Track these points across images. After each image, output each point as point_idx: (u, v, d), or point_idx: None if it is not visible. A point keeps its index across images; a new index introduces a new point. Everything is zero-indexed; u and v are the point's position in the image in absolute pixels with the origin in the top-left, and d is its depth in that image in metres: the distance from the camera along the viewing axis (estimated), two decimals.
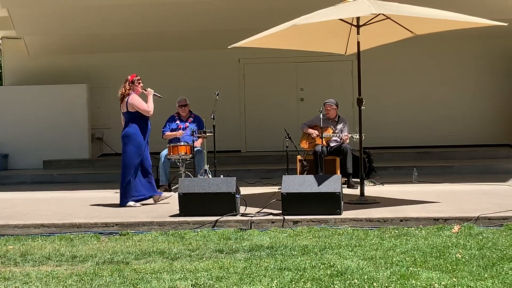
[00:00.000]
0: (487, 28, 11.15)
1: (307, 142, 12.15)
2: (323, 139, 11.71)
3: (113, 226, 8.62)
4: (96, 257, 7.03)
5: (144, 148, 10.33)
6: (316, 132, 12.00)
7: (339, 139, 11.94)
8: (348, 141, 11.89)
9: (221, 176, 10.20)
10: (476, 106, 16.70)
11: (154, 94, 10.50)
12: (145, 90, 10.52)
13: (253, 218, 8.58)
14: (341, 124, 12.10)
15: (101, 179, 14.46)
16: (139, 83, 10.51)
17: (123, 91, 10.44)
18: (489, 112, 16.61)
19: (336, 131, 11.97)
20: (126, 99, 10.35)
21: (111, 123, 17.42)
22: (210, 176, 11.38)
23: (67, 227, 8.64)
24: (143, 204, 10.22)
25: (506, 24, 9.58)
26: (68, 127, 16.57)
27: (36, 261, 6.95)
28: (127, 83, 10.45)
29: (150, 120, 10.52)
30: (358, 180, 10.16)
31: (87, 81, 17.05)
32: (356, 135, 11.38)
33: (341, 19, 9.99)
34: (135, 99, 10.32)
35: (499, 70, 16.44)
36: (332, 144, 12.00)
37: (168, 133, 12.53)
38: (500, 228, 7.91)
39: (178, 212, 9.01)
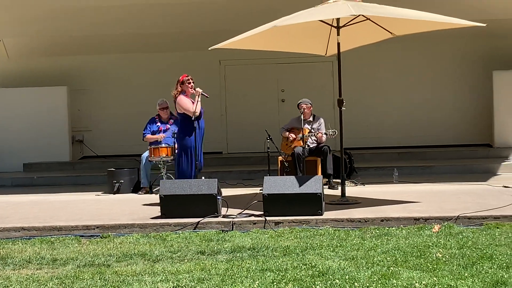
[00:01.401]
0: (466, 29, 11.21)
1: (287, 146, 12.18)
2: (302, 140, 11.72)
3: (94, 229, 8.59)
4: (77, 260, 7.01)
5: (194, 149, 10.20)
6: (293, 135, 12.03)
7: (316, 138, 11.95)
8: (324, 138, 11.88)
9: (203, 177, 10.18)
10: (455, 107, 16.78)
11: (201, 94, 10.34)
12: (195, 90, 10.40)
13: (235, 219, 8.58)
14: (317, 123, 12.12)
15: (82, 181, 14.41)
16: (189, 83, 10.45)
17: (175, 92, 10.40)
18: (468, 113, 16.70)
19: (312, 130, 11.99)
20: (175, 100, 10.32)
21: (92, 126, 17.40)
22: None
23: (47, 230, 8.59)
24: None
25: (485, 25, 9.64)
26: (48, 129, 16.47)
27: (16, 265, 6.91)
28: (178, 84, 10.42)
29: (201, 120, 10.43)
30: (339, 180, 10.19)
31: (68, 83, 16.97)
32: (330, 131, 11.44)
33: (321, 20, 10.01)
34: (180, 100, 10.29)
35: (478, 71, 16.54)
36: (311, 145, 12.01)
37: (148, 135, 12.50)
38: (480, 227, 7.96)
39: (159, 214, 8.99)
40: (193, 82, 10.55)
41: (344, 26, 9.97)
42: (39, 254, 7.32)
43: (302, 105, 12.05)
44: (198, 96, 10.31)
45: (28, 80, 17.05)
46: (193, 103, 10.37)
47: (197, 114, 10.25)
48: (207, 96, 10.42)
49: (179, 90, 10.45)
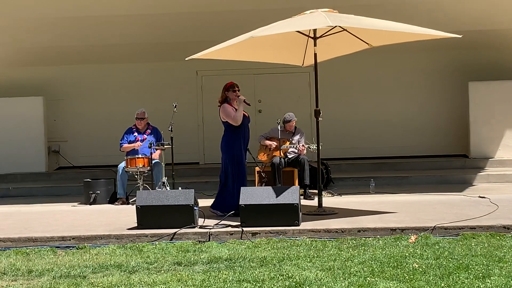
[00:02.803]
0: (442, 41, 11.32)
1: (265, 154, 12.17)
2: (281, 150, 11.74)
3: (70, 240, 8.54)
4: (52, 271, 6.95)
5: (241, 158, 10.05)
6: (274, 143, 12.03)
7: (296, 150, 11.97)
8: (305, 151, 11.93)
9: (179, 188, 10.16)
10: (431, 117, 16.86)
11: (244, 102, 10.12)
12: (238, 97, 10.15)
13: (212, 230, 8.57)
14: (298, 135, 12.14)
15: (58, 192, 14.30)
16: (235, 90, 10.18)
17: (219, 99, 10.22)
18: (444, 123, 16.79)
19: (293, 142, 12.01)
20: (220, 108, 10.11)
21: (68, 136, 17.28)
22: (168, 188, 11.33)
23: (23, 241, 8.53)
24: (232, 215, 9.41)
25: (460, 36, 9.73)
26: (23, 140, 16.33)
27: None
28: (223, 91, 10.21)
29: (246, 127, 10.23)
30: (316, 191, 10.20)
31: (43, 93, 16.85)
32: (313, 146, 11.46)
33: (298, 31, 10.04)
34: (223, 109, 10.10)
35: (454, 82, 16.62)
36: (289, 156, 12.03)
37: (125, 145, 12.46)
38: (456, 238, 8.00)
39: (136, 225, 8.95)
40: (238, 90, 10.26)
41: (321, 36, 10.01)
42: (14, 266, 7.26)
43: (292, 122, 12.04)
44: (241, 104, 10.08)
45: (3, 91, 16.92)
46: (236, 111, 10.11)
47: (239, 122, 10.03)
48: (248, 104, 10.23)
49: (224, 97, 10.21)
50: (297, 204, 8.64)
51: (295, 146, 11.95)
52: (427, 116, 16.87)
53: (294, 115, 12.22)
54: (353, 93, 16.98)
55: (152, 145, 11.87)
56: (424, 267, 6.49)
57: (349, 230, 8.40)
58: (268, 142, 12.15)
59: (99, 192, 12.14)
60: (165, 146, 11.85)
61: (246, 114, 10.25)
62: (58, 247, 8.35)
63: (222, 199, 10.10)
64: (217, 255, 7.41)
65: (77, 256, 7.74)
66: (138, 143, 12.31)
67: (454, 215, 9.04)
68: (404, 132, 16.85)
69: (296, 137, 12.10)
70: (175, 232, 8.50)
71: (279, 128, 11.54)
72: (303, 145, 11.92)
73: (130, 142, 12.45)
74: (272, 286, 5.97)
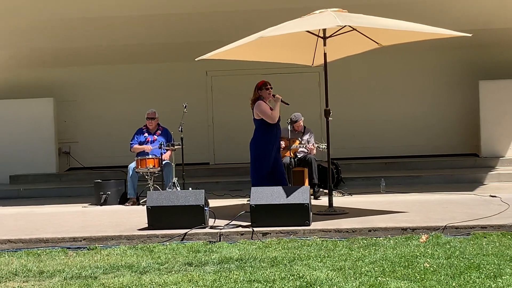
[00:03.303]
0: (452, 39, 11.29)
1: None
2: (291, 150, 11.74)
3: (81, 241, 8.55)
4: (63, 272, 6.97)
5: (273, 156, 9.98)
6: (283, 144, 12.03)
7: (306, 150, 11.97)
8: (315, 151, 11.93)
9: (190, 188, 10.16)
10: (441, 116, 16.83)
11: (281, 101, 10.10)
12: (273, 96, 10.13)
13: (222, 230, 8.56)
14: (307, 134, 12.14)
15: (69, 193, 14.34)
16: (268, 88, 10.14)
17: (252, 98, 10.17)
18: (455, 122, 16.75)
19: (302, 142, 12.00)
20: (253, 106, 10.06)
21: (78, 137, 17.34)
22: (178, 188, 11.34)
23: (34, 242, 8.55)
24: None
25: (470, 35, 9.70)
26: (34, 141, 16.40)
27: (3, 277, 6.87)
28: (256, 89, 10.16)
29: (279, 127, 10.18)
30: (326, 191, 10.19)
31: (54, 94, 16.91)
32: (322, 145, 11.45)
33: (307, 31, 10.03)
34: (259, 106, 10.03)
35: (464, 81, 16.59)
36: (299, 155, 12.03)
37: (136, 146, 12.47)
38: (467, 237, 7.97)
39: (146, 225, 8.96)
40: (271, 88, 10.22)
41: (330, 36, 10.00)
42: (26, 267, 7.28)
43: (299, 122, 12.03)
44: (278, 103, 10.03)
45: (14, 92, 16.99)
46: (271, 109, 10.08)
47: (276, 120, 9.98)
48: (287, 104, 10.21)
49: (257, 95, 10.16)
50: (308, 204, 8.62)
51: (304, 146, 11.94)
52: (437, 115, 16.84)
53: (301, 115, 12.20)
54: (363, 93, 16.97)
55: (163, 145, 11.87)
56: (435, 266, 6.48)
57: (360, 230, 8.38)
58: None
59: (109, 193, 12.15)
60: (175, 147, 11.86)
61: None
62: (69, 248, 8.36)
63: None
64: (227, 255, 7.41)
65: (88, 257, 7.75)
66: (149, 146, 12.29)
67: (465, 214, 9.01)
68: (414, 131, 16.83)
69: (306, 137, 12.10)
70: (186, 233, 8.50)
71: (288, 128, 11.53)
72: (312, 144, 11.92)
73: (140, 143, 12.46)
74: (283, 286, 5.96)
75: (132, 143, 12.54)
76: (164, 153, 12.04)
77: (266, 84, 10.18)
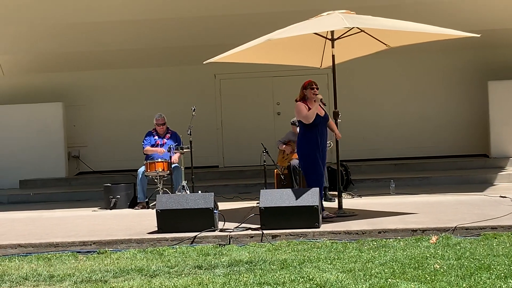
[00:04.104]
0: (461, 40, 11.28)
1: (284, 159, 12.17)
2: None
3: (91, 245, 8.56)
4: (74, 276, 6.98)
5: (315, 156, 9.74)
6: (290, 148, 12.03)
7: None
8: None
9: (199, 192, 10.17)
10: (451, 117, 16.80)
11: (321, 101, 9.83)
12: (315, 96, 9.88)
13: (232, 233, 8.57)
14: None
15: (78, 197, 14.37)
16: (313, 88, 9.88)
17: (298, 97, 9.98)
18: (464, 123, 16.72)
19: None
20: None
21: (88, 141, 17.37)
22: (188, 192, 11.36)
23: (44, 247, 8.57)
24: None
25: (479, 35, 9.69)
26: (44, 146, 16.44)
27: (13, 282, 6.88)
28: (302, 89, 9.97)
29: (323, 126, 9.92)
30: (336, 193, 10.17)
31: (63, 99, 16.96)
32: (328, 143, 11.42)
33: (315, 33, 10.03)
34: (296, 107, 9.85)
35: (473, 81, 16.56)
36: None
37: (148, 147, 12.47)
38: (477, 238, 7.95)
39: (156, 229, 8.96)
40: (317, 88, 9.97)
41: (338, 38, 9.99)
42: (36, 271, 7.30)
43: (293, 126, 11.94)
44: (316, 103, 9.79)
45: (23, 97, 17.05)
46: (309, 109, 9.83)
47: (310, 121, 9.73)
48: (324, 104, 10.01)
49: (302, 95, 9.96)
50: (317, 206, 8.62)
51: None
52: (446, 116, 16.81)
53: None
54: (372, 94, 16.95)
55: (172, 148, 11.89)
56: (445, 267, 6.46)
57: (370, 232, 8.37)
58: (284, 147, 12.15)
59: (119, 196, 12.17)
60: (184, 150, 11.88)
61: (323, 112, 9.98)
62: (79, 252, 8.38)
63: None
64: (237, 258, 7.41)
65: (98, 261, 7.76)
66: (162, 149, 12.29)
67: (475, 215, 8.99)
68: (423, 133, 16.80)
69: None
70: (195, 236, 8.51)
71: (293, 131, 11.53)
72: None
73: (152, 146, 12.48)
74: None
75: (145, 144, 12.53)
76: (173, 156, 12.06)
77: (312, 84, 9.94)
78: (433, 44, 11.25)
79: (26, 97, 17.02)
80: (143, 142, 12.58)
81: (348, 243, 7.99)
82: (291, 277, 6.36)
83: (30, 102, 16.81)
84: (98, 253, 8.26)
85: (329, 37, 10.00)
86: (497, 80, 15.67)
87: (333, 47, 9.90)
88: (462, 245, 7.55)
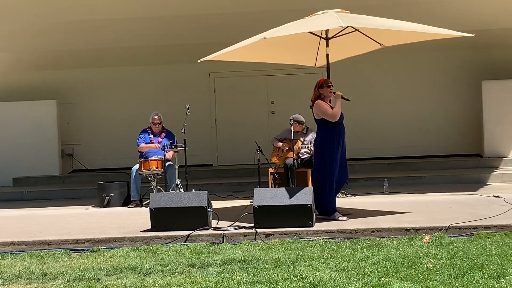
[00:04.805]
0: (455, 40, 11.28)
1: (278, 156, 12.16)
2: (294, 151, 11.72)
3: (84, 243, 8.56)
4: (67, 274, 6.97)
5: (335, 156, 9.65)
6: (286, 145, 12.01)
7: (309, 151, 11.94)
8: None
9: (193, 190, 10.16)
10: (445, 117, 16.81)
11: (342, 97, 9.70)
12: (334, 94, 9.70)
13: (225, 231, 8.57)
14: (310, 135, 12.09)
15: (72, 195, 14.35)
16: (329, 86, 9.69)
17: (312, 97, 9.81)
18: (458, 123, 16.73)
19: (305, 143, 11.97)
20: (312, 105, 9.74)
21: (82, 139, 17.34)
22: (181, 190, 11.34)
23: (37, 245, 8.56)
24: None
25: (473, 35, 9.69)
26: (37, 143, 16.40)
27: (6, 279, 6.87)
28: (316, 88, 9.75)
29: (341, 124, 9.83)
30: None
31: (57, 97, 16.92)
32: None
33: (310, 32, 10.03)
34: (319, 106, 9.61)
35: (467, 81, 16.57)
36: (302, 156, 12.00)
37: (143, 144, 12.45)
38: (470, 237, 7.97)
39: (150, 227, 8.96)
40: (332, 86, 9.79)
41: (333, 37, 10.00)
42: (29, 269, 7.29)
43: (293, 124, 11.87)
44: (339, 100, 9.64)
45: (17, 94, 17.00)
46: (331, 108, 9.72)
47: (337, 118, 9.64)
48: (348, 100, 9.84)
49: (317, 94, 9.77)
50: (311, 205, 8.63)
51: (306, 147, 11.92)
52: (440, 115, 16.82)
53: (301, 117, 12.05)
54: (366, 94, 16.93)
55: (166, 147, 11.88)
56: (438, 267, 6.47)
57: (363, 231, 8.38)
58: (279, 144, 12.14)
59: (112, 194, 12.16)
60: (178, 148, 11.87)
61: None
62: (72, 250, 8.37)
63: (317, 200, 9.33)
64: (231, 257, 7.41)
65: (91, 259, 7.76)
66: (157, 144, 12.29)
67: (468, 215, 9.01)
68: (417, 132, 16.81)
69: (308, 138, 12.05)
70: (189, 234, 8.51)
71: (291, 129, 11.51)
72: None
73: (146, 143, 12.47)
74: (286, 287, 5.96)
75: (139, 142, 12.51)
76: (166, 153, 12.05)
77: (327, 82, 9.76)
78: (427, 44, 11.25)
79: (20, 95, 16.97)
80: (138, 139, 12.56)
81: (341, 242, 8.00)
82: (284, 276, 6.36)
83: (24, 99, 16.76)
84: (91, 251, 8.25)
85: (324, 36, 10.01)
86: (491, 80, 15.69)
87: (327, 46, 9.91)
88: (455, 244, 7.56)
